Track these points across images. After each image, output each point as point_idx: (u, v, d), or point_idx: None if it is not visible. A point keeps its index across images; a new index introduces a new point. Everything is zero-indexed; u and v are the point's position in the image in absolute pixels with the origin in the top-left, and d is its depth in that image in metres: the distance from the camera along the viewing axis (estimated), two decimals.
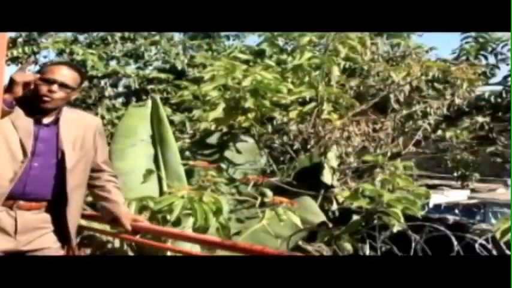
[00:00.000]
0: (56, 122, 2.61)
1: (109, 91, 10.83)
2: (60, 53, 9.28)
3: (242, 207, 4.40)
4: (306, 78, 5.10)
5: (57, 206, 2.63)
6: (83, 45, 9.56)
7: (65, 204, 2.61)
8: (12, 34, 10.62)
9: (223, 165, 4.81)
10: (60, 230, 2.67)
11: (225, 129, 5.41)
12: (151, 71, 9.87)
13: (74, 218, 2.67)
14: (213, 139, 5.20)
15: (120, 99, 10.98)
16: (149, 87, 9.51)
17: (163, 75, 9.44)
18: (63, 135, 2.61)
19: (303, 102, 5.49)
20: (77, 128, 2.67)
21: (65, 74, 2.59)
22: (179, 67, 9.76)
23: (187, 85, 5.49)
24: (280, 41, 7.35)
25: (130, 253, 3.62)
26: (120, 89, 11.03)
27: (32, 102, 2.53)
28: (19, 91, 2.42)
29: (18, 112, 2.51)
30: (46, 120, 2.60)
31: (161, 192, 3.96)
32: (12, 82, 2.40)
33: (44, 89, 2.53)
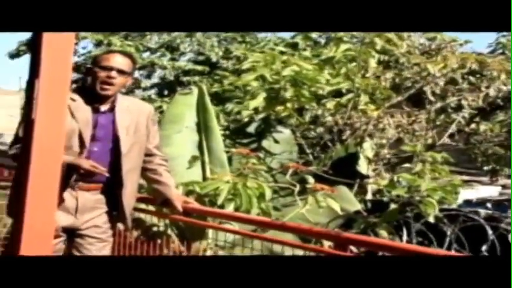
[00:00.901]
0: (112, 109, 2.76)
1: (144, 82, 11.05)
2: (98, 44, 9.51)
3: (279, 195, 4.51)
4: (343, 70, 5.18)
5: (112, 189, 2.79)
6: (121, 37, 9.77)
7: (120, 186, 2.77)
8: None
9: (261, 155, 4.94)
10: (115, 211, 2.84)
11: (261, 120, 5.55)
12: (187, 63, 10.03)
13: (129, 200, 2.83)
14: (250, 129, 5.35)
15: (153, 90, 11.17)
16: (185, 78, 9.67)
17: (199, 67, 9.59)
18: (119, 122, 2.76)
19: (338, 94, 5.58)
20: (131, 115, 2.82)
21: (120, 61, 2.75)
22: (214, 59, 9.90)
23: (227, 75, 5.63)
24: (314, 34, 7.45)
25: (174, 236, 3.81)
26: (155, 80, 11.23)
27: (93, 90, 2.70)
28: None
29: (78, 102, 2.68)
30: (103, 107, 2.75)
31: (204, 178, 4.11)
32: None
33: (103, 76, 2.68)
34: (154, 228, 3.70)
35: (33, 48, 1.89)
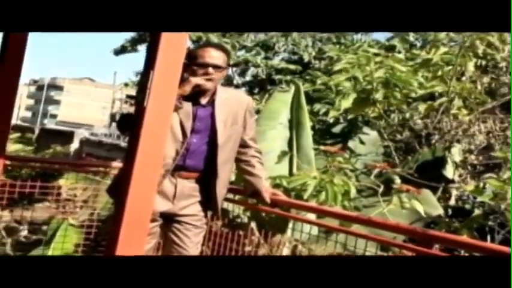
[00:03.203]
0: (212, 102, 2.90)
1: (237, 79, 11.36)
2: (197, 40, 9.90)
3: (360, 195, 4.57)
4: (438, 73, 5.14)
5: (207, 178, 2.93)
6: (219, 34, 10.10)
7: (215, 176, 2.91)
8: None
9: (346, 155, 5.03)
10: (208, 200, 2.97)
11: (347, 121, 5.64)
12: (280, 62, 10.20)
13: (221, 189, 2.97)
14: (336, 130, 5.45)
15: (244, 88, 11.42)
16: (276, 77, 9.86)
17: (292, 66, 9.74)
18: (217, 115, 2.88)
19: (430, 98, 5.55)
20: (230, 107, 2.93)
21: (215, 56, 2.85)
22: (306, 59, 10.01)
23: (319, 75, 5.75)
24: (411, 36, 7.40)
25: (255, 228, 3.98)
26: (248, 78, 11.50)
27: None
28: (188, 90, 2.77)
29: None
30: (203, 101, 2.90)
31: (291, 173, 4.27)
32: (183, 81, 2.72)
33: (200, 73, 2.81)
34: (238, 220, 3.88)
35: (151, 43, 2.10)
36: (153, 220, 2.79)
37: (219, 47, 3.06)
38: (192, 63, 2.81)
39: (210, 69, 2.82)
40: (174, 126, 2.80)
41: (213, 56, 2.85)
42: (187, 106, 2.85)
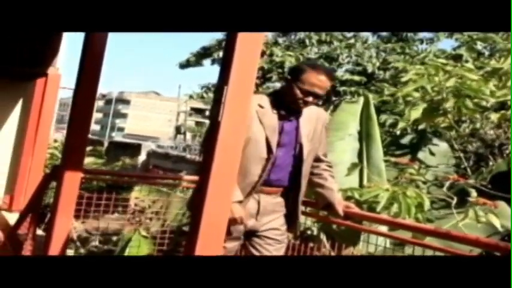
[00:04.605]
0: (298, 117, 2.92)
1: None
2: (261, 54, 10.05)
3: (432, 207, 4.49)
4: (509, 82, 5.01)
5: (288, 192, 2.96)
6: (282, 48, 10.21)
7: (297, 190, 2.93)
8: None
9: (415, 166, 4.95)
10: (290, 213, 2.99)
11: (416, 132, 5.56)
12: (345, 73, 10.19)
13: (300, 203, 3.00)
14: (404, 141, 5.39)
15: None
16: (341, 88, 9.85)
17: (356, 78, 9.72)
18: (302, 128, 2.92)
19: (500, 107, 5.40)
20: (310, 122, 2.96)
21: (325, 87, 2.83)
22: (370, 70, 9.96)
23: (385, 86, 5.73)
24: (479, 45, 7.24)
25: (325, 241, 3.97)
26: None
27: (288, 103, 2.87)
28: None
29: (266, 109, 2.85)
30: (290, 115, 2.91)
31: (361, 185, 4.25)
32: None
33: (302, 96, 2.80)
34: (308, 232, 3.89)
35: (225, 58, 2.16)
36: (236, 238, 2.84)
37: (331, 76, 3.02)
38: (301, 82, 2.80)
39: (311, 98, 2.83)
40: (261, 142, 2.82)
41: (324, 87, 2.84)
42: (274, 121, 2.87)
